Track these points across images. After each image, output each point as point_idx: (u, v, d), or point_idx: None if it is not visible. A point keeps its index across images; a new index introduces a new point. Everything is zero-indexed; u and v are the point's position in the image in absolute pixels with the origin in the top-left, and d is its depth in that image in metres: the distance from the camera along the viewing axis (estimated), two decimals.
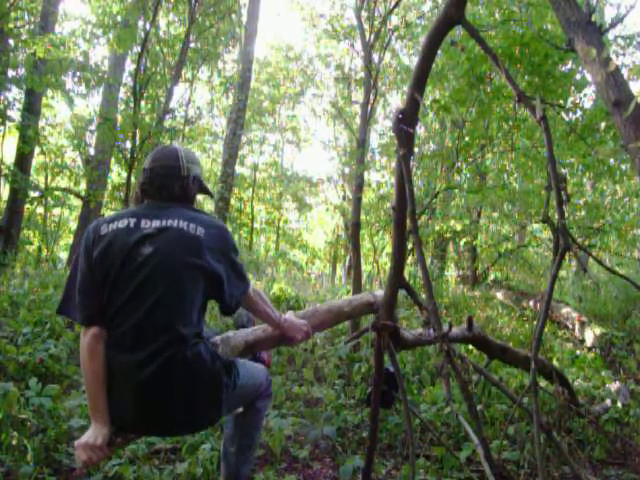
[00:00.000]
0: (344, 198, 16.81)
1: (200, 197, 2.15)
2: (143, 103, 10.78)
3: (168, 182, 1.89)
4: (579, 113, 5.93)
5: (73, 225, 15.27)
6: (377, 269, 9.49)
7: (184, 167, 1.92)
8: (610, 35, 5.80)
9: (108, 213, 12.25)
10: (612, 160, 6.43)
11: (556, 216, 1.85)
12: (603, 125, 5.51)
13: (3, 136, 10.75)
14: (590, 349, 5.98)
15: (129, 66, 12.21)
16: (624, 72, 4.81)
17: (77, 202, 13.81)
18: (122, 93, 11.48)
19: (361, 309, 2.60)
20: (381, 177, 11.43)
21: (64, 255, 13.39)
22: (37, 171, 13.21)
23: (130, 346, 1.70)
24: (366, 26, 7.35)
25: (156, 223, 1.78)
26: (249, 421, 2.12)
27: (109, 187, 12.06)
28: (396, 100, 15.11)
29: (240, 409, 2.09)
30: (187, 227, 1.78)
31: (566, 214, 1.91)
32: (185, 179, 1.92)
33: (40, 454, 2.65)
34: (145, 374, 1.67)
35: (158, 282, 1.71)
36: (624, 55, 5.95)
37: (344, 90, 16.15)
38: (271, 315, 2.10)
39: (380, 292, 2.57)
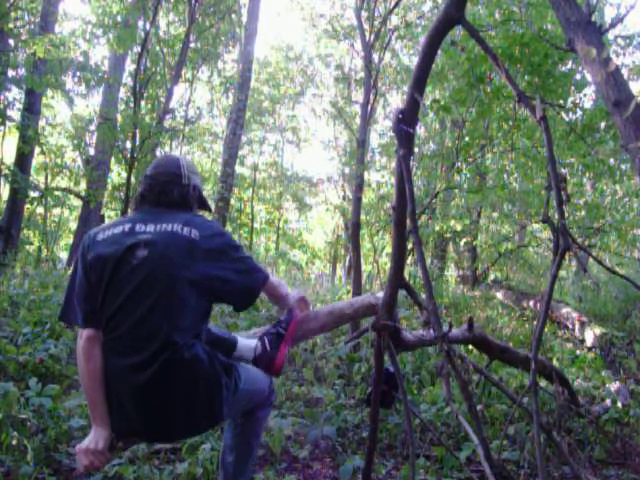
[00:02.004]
0: (344, 198, 16.79)
1: None
2: (143, 103, 10.77)
3: (168, 188, 1.90)
4: (579, 113, 5.93)
5: (73, 225, 15.27)
6: (377, 269, 9.48)
7: (185, 175, 1.94)
8: (610, 35, 5.79)
9: (108, 213, 12.25)
10: (612, 160, 6.43)
11: (556, 216, 1.85)
12: (603, 125, 5.51)
13: (3, 136, 10.75)
14: (590, 349, 5.98)
15: (129, 66, 12.22)
16: (624, 72, 4.82)
17: (77, 202, 13.81)
18: (122, 93, 11.46)
19: (363, 311, 2.59)
20: (381, 177, 11.42)
21: (64, 255, 13.39)
22: (37, 171, 13.20)
23: (125, 350, 1.69)
24: (366, 26, 7.36)
25: (151, 227, 1.79)
26: (248, 430, 2.08)
27: (109, 187, 12.05)
28: (396, 100, 15.10)
29: (238, 418, 2.06)
30: (182, 230, 1.78)
31: (566, 214, 1.91)
32: (186, 187, 1.93)
33: (40, 454, 2.64)
34: (142, 378, 1.66)
35: (153, 286, 1.70)
36: (624, 55, 5.94)
37: (344, 90, 16.13)
38: (285, 300, 2.16)
39: (381, 294, 2.56)
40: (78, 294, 1.77)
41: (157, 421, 1.73)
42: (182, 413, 1.74)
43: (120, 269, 1.72)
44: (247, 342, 2.17)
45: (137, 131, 8.39)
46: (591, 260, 9.82)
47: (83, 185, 12.58)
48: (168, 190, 1.89)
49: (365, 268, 11.08)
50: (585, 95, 6.30)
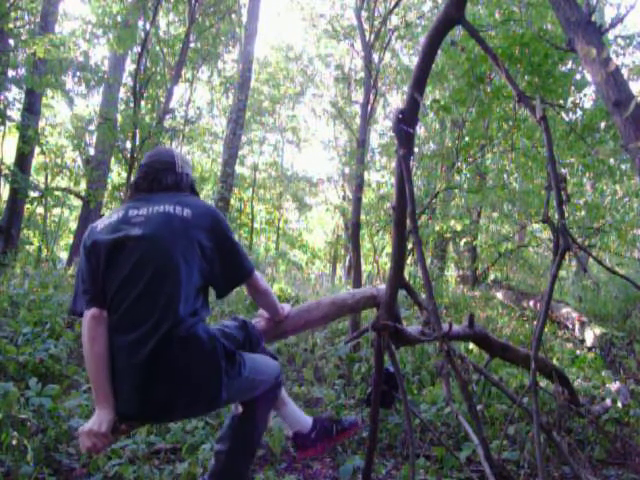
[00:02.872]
0: (344, 198, 16.79)
1: None
2: (143, 103, 10.77)
3: (161, 175, 1.96)
4: (579, 113, 5.93)
5: (73, 225, 15.27)
6: (377, 269, 9.49)
7: (179, 164, 2.02)
8: (610, 35, 5.79)
9: (108, 213, 12.25)
10: (612, 160, 6.44)
11: (556, 216, 1.85)
12: (603, 125, 5.52)
13: (3, 136, 10.74)
14: (590, 349, 5.98)
15: (129, 66, 12.21)
16: (624, 72, 4.82)
17: (77, 202, 13.81)
18: (122, 93, 11.46)
19: (364, 302, 2.61)
20: (381, 177, 11.42)
21: (64, 255, 13.38)
22: (37, 171, 13.18)
23: (127, 328, 1.72)
24: (366, 26, 7.36)
25: (143, 211, 1.85)
26: (247, 420, 2.05)
27: (109, 187, 12.06)
28: (396, 100, 15.10)
29: (240, 409, 2.06)
30: (174, 210, 1.84)
31: (566, 214, 1.91)
32: (179, 175, 2.01)
33: (40, 454, 2.64)
34: (142, 354, 1.68)
35: (148, 264, 1.75)
36: (624, 55, 5.95)
37: (344, 90, 16.13)
38: (267, 295, 2.15)
39: (383, 286, 2.57)
40: (82, 279, 1.82)
41: (156, 398, 1.74)
42: (180, 392, 1.74)
43: (116, 252, 1.77)
44: (298, 414, 2.27)
45: (137, 131, 8.41)
46: (591, 260, 9.82)
47: (83, 185, 12.57)
48: (162, 177, 1.96)
49: (365, 268, 11.08)
50: (585, 95, 6.32)
